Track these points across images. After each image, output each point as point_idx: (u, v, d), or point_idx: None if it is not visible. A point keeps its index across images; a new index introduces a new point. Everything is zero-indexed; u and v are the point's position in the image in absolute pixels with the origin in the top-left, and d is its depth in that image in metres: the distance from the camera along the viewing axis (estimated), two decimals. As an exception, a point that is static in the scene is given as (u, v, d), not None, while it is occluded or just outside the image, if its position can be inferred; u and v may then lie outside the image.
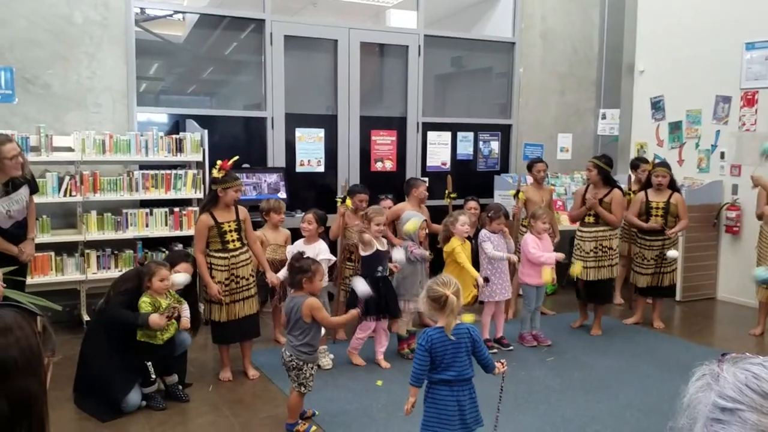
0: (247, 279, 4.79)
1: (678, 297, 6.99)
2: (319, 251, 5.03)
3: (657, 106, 7.96)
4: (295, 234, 5.53)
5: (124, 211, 5.85)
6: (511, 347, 5.49)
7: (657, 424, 4.07)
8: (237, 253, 4.73)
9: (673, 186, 6.10)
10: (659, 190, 6.03)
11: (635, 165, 6.92)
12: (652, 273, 6.05)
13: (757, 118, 6.90)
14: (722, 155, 7.27)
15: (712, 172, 7.36)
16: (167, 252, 5.47)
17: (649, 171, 6.23)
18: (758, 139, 6.83)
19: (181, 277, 4.45)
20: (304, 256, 4.07)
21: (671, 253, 5.95)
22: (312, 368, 3.90)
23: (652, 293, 6.17)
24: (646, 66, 8.04)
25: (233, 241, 4.72)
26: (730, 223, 7.11)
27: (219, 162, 4.68)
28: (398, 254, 5.01)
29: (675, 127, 7.77)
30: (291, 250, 5.16)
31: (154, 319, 4.16)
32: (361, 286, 4.46)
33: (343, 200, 5.65)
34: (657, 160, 6.58)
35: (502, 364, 3.35)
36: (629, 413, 4.27)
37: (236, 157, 4.83)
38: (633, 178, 6.89)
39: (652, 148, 7.98)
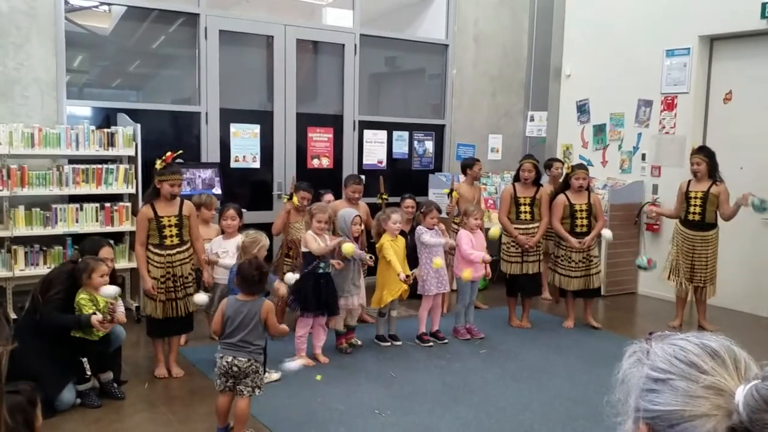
0: (186, 278, 4.73)
1: (601, 292, 7.28)
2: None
3: (582, 109, 8.29)
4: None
5: (54, 206, 5.69)
6: (446, 340, 5.64)
7: (584, 411, 4.27)
8: (174, 251, 4.66)
9: (588, 187, 6.22)
10: (580, 191, 6.11)
11: (549, 165, 7.13)
12: (582, 276, 6.09)
13: (676, 122, 7.29)
14: (643, 157, 7.64)
15: (634, 172, 7.72)
16: (83, 242, 4.86)
17: (568, 173, 6.32)
18: (677, 142, 7.22)
19: (110, 289, 4.25)
20: (252, 258, 4.06)
21: (606, 232, 6.05)
22: None
23: (582, 295, 6.22)
24: (572, 70, 8.36)
25: (171, 236, 4.65)
26: (651, 221, 7.48)
27: (166, 155, 4.65)
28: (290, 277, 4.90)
29: (599, 129, 8.11)
30: (211, 247, 5.18)
31: (96, 320, 4.07)
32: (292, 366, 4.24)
33: (290, 197, 5.70)
34: (574, 163, 6.83)
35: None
36: (558, 401, 4.46)
37: (180, 152, 4.83)
38: (548, 177, 7.07)
39: (577, 150, 8.30)
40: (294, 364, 4.06)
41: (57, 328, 4.15)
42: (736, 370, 0.91)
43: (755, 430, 0.83)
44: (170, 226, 4.65)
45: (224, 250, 5.13)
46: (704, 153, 6.09)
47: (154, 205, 4.63)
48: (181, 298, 4.72)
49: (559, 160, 7.15)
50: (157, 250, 4.64)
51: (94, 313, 4.12)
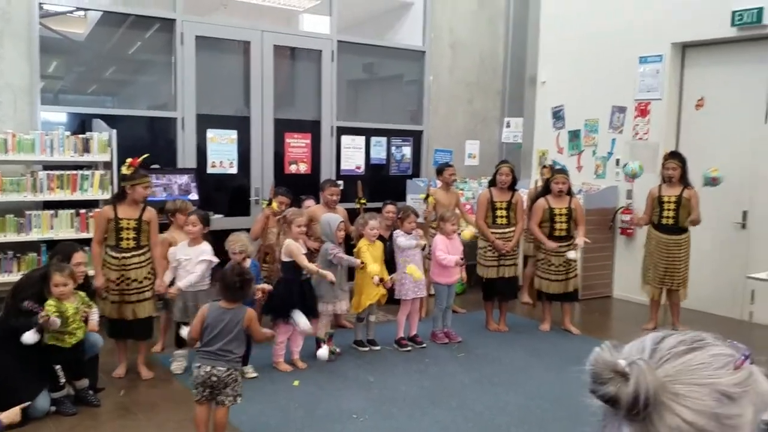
0: (141, 282, 4.74)
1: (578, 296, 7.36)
2: (202, 253, 4.83)
3: (557, 115, 8.38)
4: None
5: (27, 212, 5.62)
6: (425, 345, 5.66)
7: (561, 413, 4.31)
8: (129, 254, 4.69)
9: (569, 192, 6.25)
10: (560, 196, 6.12)
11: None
12: (561, 279, 6.13)
13: (650, 128, 7.40)
14: (617, 162, 7.72)
15: (608, 177, 7.81)
16: (55, 247, 4.82)
17: (548, 178, 6.36)
18: (650, 147, 7.33)
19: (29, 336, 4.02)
20: (235, 265, 4.05)
21: (571, 254, 6.10)
22: None
23: (560, 299, 6.26)
24: (547, 77, 8.44)
25: (128, 239, 4.69)
26: (625, 226, 7.57)
27: (129, 159, 4.66)
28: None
29: (574, 135, 8.20)
30: (173, 252, 4.90)
31: (42, 318, 3.93)
32: (303, 322, 4.75)
33: (269, 202, 5.69)
34: (556, 167, 6.91)
35: None
36: (535, 404, 4.50)
37: (146, 155, 4.83)
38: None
39: (552, 155, 8.38)
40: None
41: (14, 332, 4.05)
42: (639, 351, 0.96)
43: (597, 395, 0.93)
44: (128, 229, 4.68)
45: (187, 257, 4.84)
46: (678, 159, 6.18)
47: (116, 207, 4.68)
48: (134, 302, 4.73)
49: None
50: (112, 253, 4.67)
51: (46, 315, 3.96)
